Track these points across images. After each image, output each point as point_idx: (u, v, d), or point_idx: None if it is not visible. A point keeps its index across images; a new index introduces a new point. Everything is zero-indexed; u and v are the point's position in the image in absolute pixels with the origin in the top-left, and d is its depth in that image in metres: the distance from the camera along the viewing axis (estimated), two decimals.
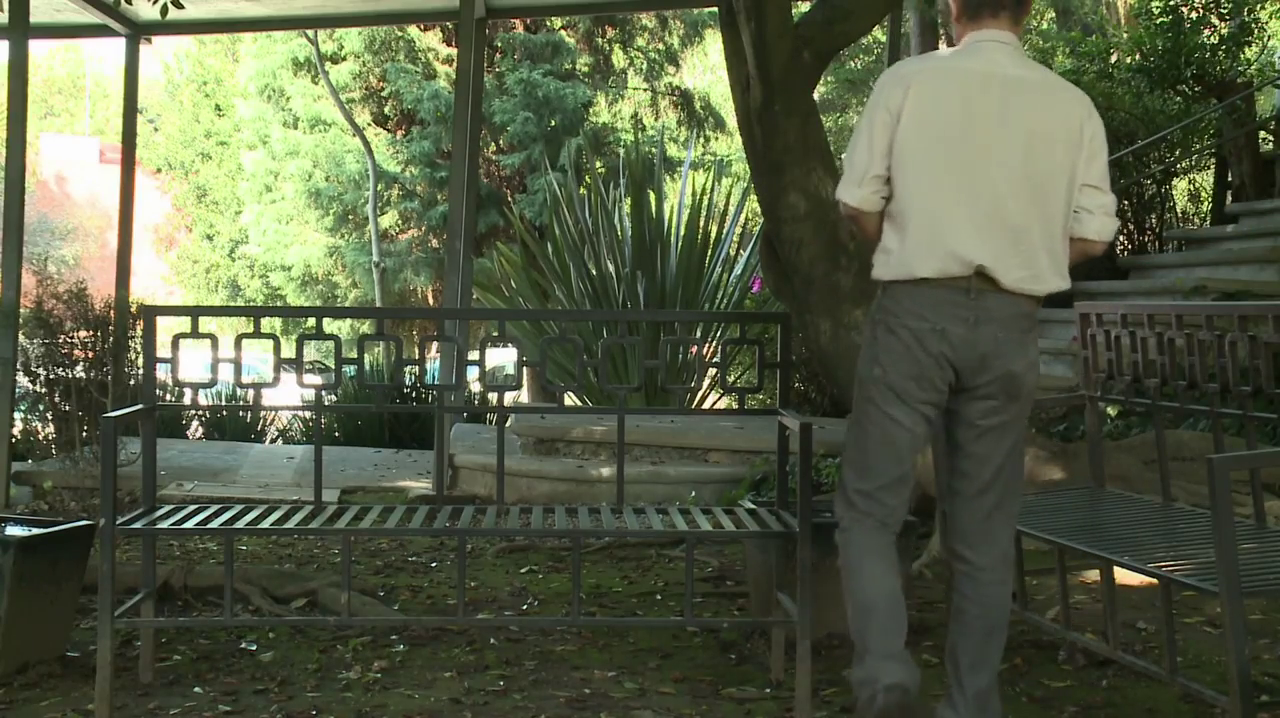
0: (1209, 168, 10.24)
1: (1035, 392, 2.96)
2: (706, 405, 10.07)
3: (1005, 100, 2.84)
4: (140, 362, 6.45)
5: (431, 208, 17.84)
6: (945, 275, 2.80)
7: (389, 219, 18.76)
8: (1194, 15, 9.26)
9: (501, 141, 17.25)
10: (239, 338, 3.89)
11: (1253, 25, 9.55)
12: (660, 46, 18.64)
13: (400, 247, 18.72)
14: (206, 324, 3.86)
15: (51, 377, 6.95)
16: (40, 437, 7.48)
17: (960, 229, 2.81)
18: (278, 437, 10.80)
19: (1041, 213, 2.84)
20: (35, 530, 3.85)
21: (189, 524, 3.51)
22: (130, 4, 7.41)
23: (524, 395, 13.14)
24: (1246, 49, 9.72)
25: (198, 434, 10.48)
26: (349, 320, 16.87)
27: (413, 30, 17.63)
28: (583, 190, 12.78)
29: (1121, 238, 9.65)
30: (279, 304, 21.39)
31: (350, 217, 19.15)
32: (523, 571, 5.23)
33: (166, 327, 3.92)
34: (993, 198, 2.82)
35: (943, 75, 2.89)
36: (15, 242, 6.60)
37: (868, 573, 2.92)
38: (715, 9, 6.09)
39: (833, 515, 3.06)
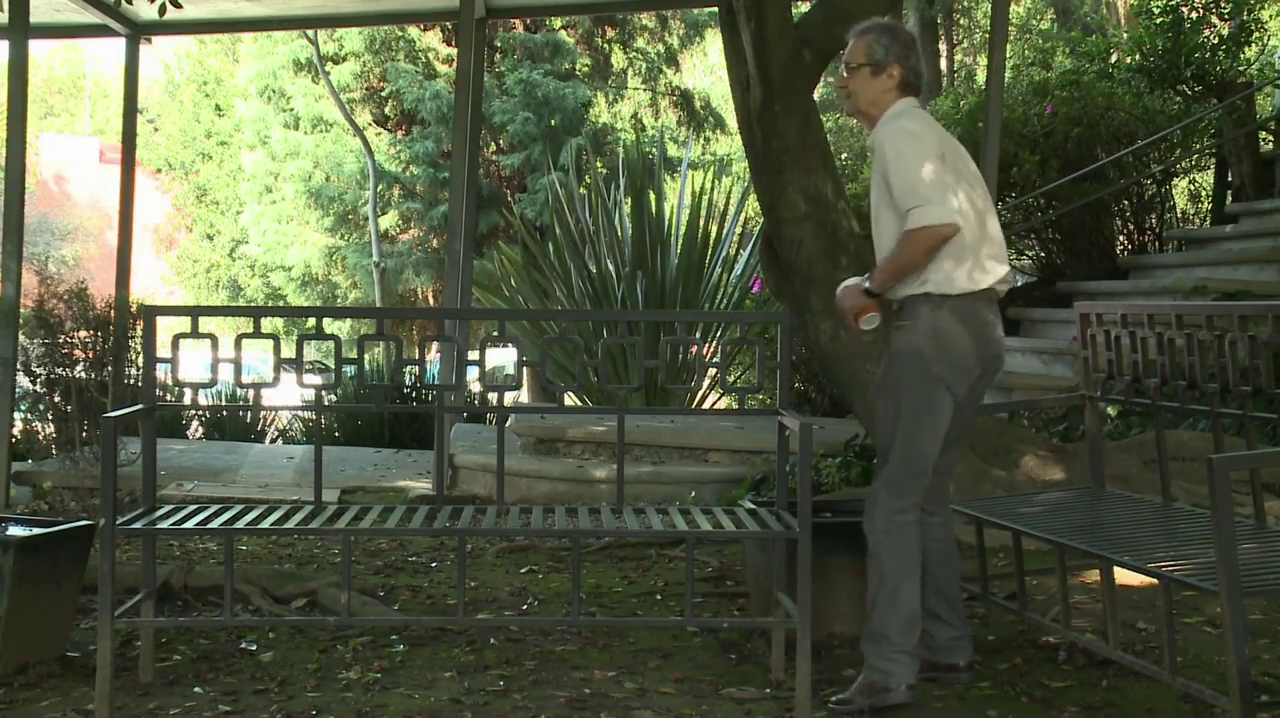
0: (1209, 168, 10.23)
1: None
2: (706, 405, 10.07)
3: (957, 144, 3.53)
4: (140, 362, 6.44)
5: (432, 208, 17.83)
6: (991, 286, 3.38)
7: (389, 219, 18.76)
8: (1194, 15, 9.26)
9: (501, 141, 17.25)
10: (239, 338, 3.89)
11: (1253, 25, 9.54)
12: (660, 47, 18.63)
13: (401, 247, 18.71)
14: (206, 324, 3.85)
15: (51, 377, 6.94)
16: (40, 437, 7.47)
17: (990, 249, 3.41)
18: (278, 437, 10.80)
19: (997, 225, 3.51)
20: (35, 530, 3.85)
21: (189, 524, 3.51)
22: (131, 3, 7.40)
23: (524, 395, 13.15)
24: (1246, 49, 9.71)
25: (198, 434, 10.48)
26: (349, 320, 16.90)
27: (413, 30, 17.63)
28: (583, 190, 12.79)
29: (1121, 238, 9.64)
30: (279, 304, 21.38)
31: (350, 217, 19.14)
32: (523, 571, 5.23)
33: (166, 327, 3.91)
34: (989, 221, 3.45)
35: (937, 124, 3.51)
36: (15, 242, 6.60)
37: (903, 572, 3.37)
38: (715, 9, 6.09)
39: (872, 504, 3.43)
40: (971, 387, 3.43)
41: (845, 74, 3.54)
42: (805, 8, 5.87)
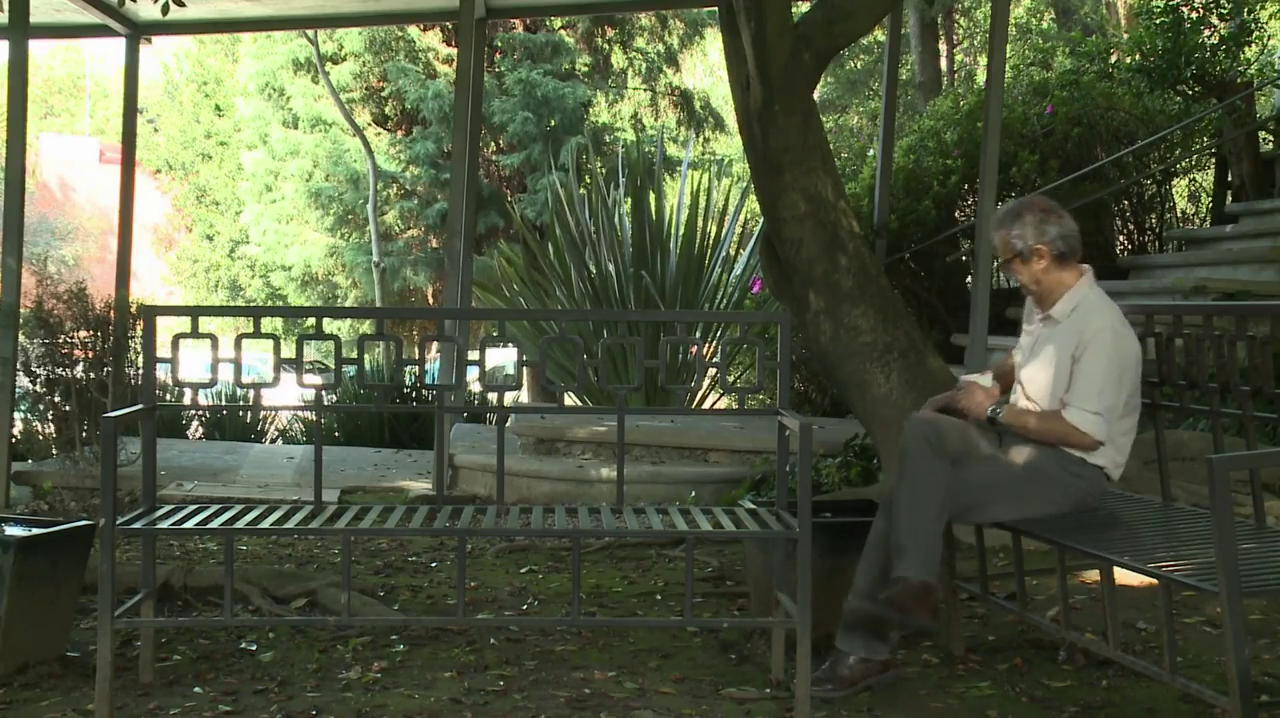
0: (1209, 168, 10.23)
1: None
2: (706, 405, 10.07)
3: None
4: (140, 362, 6.44)
5: (432, 208, 17.83)
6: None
7: (390, 219, 18.75)
8: (1194, 15, 9.25)
9: (501, 141, 17.24)
10: (239, 338, 3.89)
11: (1253, 25, 9.53)
12: (660, 47, 18.63)
13: (401, 247, 18.71)
14: (206, 324, 3.86)
15: (51, 377, 6.93)
16: (40, 437, 7.46)
17: (1127, 435, 3.70)
18: (278, 437, 10.79)
19: None
20: (35, 530, 3.85)
21: (189, 524, 3.51)
22: (134, 2, 7.40)
23: (524, 395, 13.15)
24: (1246, 49, 9.70)
25: (198, 434, 10.47)
26: (349, 320, 16.88)
27: (413, 30, 17.62)
28: (583, 190, 12.79)
29: (1121, 238, 9.65)
30: (279, 304, 21.37)
31: (350, 216, 19.13)
32: (523, 571, 5.23)
33: (166, 327, 3.91)
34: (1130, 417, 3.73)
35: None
36: (15, 242, 6.60)
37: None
38: (715, 9, 6.09)
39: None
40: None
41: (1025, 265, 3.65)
42: (805, 7, 5.87)
